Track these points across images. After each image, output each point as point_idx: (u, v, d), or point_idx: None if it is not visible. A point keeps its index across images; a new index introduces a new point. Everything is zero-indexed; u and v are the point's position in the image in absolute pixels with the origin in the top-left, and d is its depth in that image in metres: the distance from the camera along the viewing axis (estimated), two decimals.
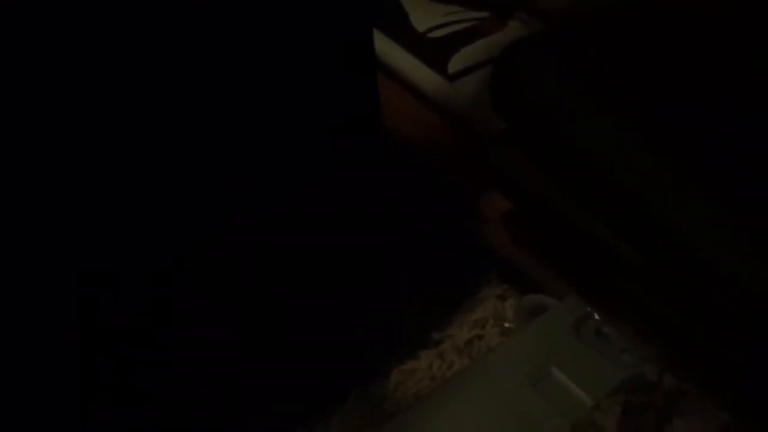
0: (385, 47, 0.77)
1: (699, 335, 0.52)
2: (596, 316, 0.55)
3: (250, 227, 0.54)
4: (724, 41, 0.58)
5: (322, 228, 0.58)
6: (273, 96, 0.53)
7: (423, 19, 0.80)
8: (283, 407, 0.57)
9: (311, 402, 0.58)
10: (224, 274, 0.54)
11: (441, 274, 0.65)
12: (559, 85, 0.59)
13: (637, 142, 0.56)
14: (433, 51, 0.77)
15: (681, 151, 0.55)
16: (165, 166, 0.49)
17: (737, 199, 0.52)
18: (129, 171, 0.48)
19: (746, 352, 0.50)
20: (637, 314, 0.55)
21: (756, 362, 0.50)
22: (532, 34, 0.71)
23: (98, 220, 0.47)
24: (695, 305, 0.52)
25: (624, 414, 0.49)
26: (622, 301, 0.56)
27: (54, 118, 0.42)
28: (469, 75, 0.75)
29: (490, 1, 0.81)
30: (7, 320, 0.45)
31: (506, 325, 0.62)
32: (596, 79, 0.59)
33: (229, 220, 0.53)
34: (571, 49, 0.62)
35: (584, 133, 0.58)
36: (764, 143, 0.53)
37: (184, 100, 0.49)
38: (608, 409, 0.49)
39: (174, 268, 0.52)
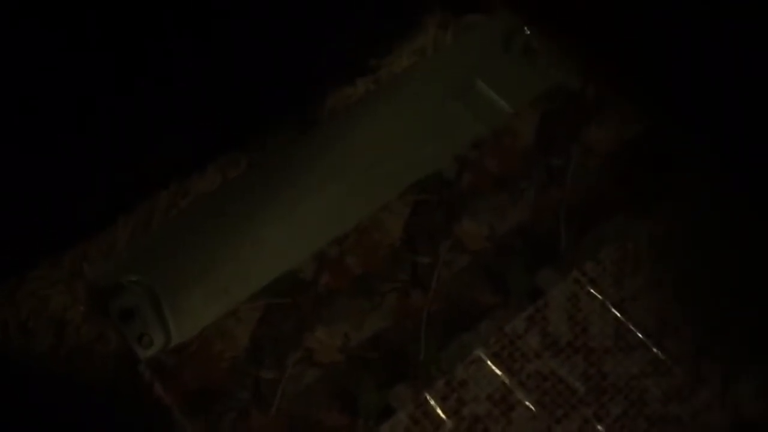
0: None
1: (628, 42, 0.52)
2: (527, 31, 0.54)
3: None
4: None
5: None
6: None
7: None
8: (218, 130, 0.58)
9: (249, 125, 0.58)
10: None
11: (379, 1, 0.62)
12: None
13: None
14: None
15: None
16: None
17: None
18: None
19: (669, 60, 0.50)
20: (570, 26, 0.54)
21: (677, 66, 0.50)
22: None
23: None
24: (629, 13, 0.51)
25: (542, 121, 0.49)
26: (555, 14, 0.54)
27: None
28: None
29: None
30: None
31: None
32: None
33: None
34: None
35: None
36: None
37: None
38: (527, 118, 0.50)
39: None
